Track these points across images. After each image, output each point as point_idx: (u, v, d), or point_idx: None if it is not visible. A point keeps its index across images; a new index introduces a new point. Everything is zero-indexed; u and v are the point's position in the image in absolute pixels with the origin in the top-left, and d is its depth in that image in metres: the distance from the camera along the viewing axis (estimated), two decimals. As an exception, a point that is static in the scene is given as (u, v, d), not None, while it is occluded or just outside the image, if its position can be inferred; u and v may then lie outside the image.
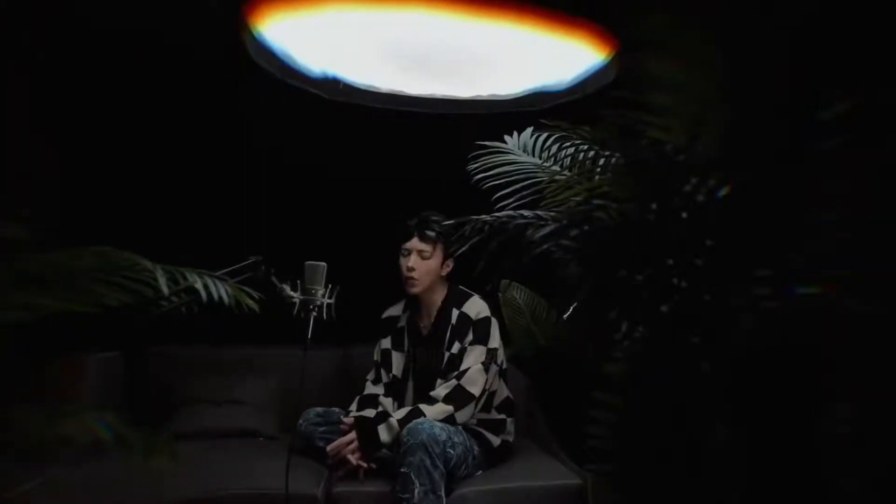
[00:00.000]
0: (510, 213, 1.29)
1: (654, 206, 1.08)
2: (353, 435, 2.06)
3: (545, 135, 1.64)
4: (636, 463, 1.00)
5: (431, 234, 2.19)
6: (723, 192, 0.92)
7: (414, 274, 2.20)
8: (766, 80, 0.87)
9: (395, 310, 2.38)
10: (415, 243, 2.20)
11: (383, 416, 2.09)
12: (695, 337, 0.94)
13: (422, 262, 2.20)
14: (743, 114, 0.87)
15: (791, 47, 0.87)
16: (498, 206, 1.42)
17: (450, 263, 2.26)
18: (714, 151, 0.92)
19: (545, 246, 1.09)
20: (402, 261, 2.23)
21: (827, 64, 0.87)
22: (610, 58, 1.43)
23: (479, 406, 2.14)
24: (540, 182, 1.39)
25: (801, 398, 0.85)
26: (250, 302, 1.02)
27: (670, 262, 1.04)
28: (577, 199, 1.17)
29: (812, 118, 0.84)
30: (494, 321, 2.21)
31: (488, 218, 1.26)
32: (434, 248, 2.21)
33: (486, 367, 2.13)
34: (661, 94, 0.93)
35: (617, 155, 1.20)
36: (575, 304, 1.20)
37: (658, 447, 0.96)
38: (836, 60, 0.88)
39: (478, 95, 1.81)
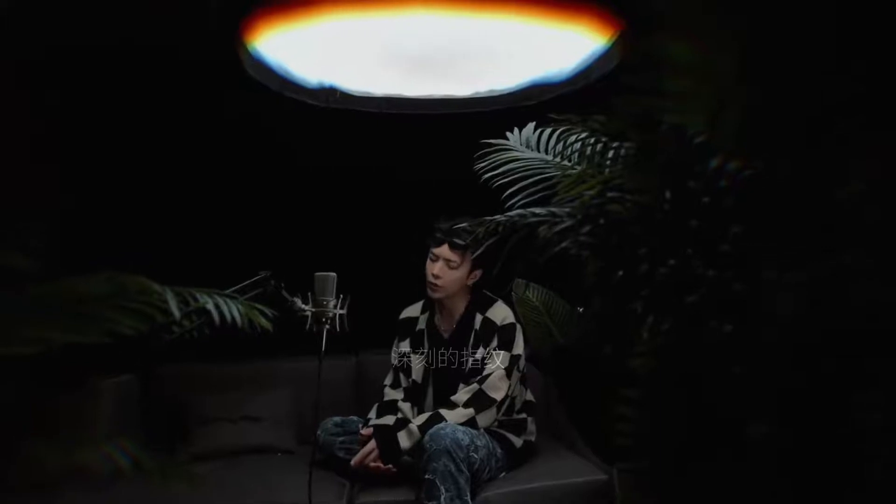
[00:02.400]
0: (521, 211, 1.25)
1: (668, 194, 1.05)
2: (372, 444, 2.04)
3: (549, 129, 1.60)
4: (671, 460, 0.97)
5: (461, 244, 2.14)
6: (746, 174, 0.89)
7: (438, 282, 2.16)
8: (788, 56, 0.84)
9: (413, 310, 2.34)
10: (444, 251, 2.16)
11: (403, 423, 2.06)
12: (727, 326, 0.90)
13: (448, 272, 2.16)
14: (765, 92, 0.83)
15: (811, 22, 0.84)
16: (507, 204, 1.38)
17: (477, 273, 2.21)
18: (733, 134, 0.89)
19: (563, 244, 1.06)
20: (429, 265, 2.19)
21: (848, 38, 0.84)
22: (613, 41, 1.39)
23: (501, 412, 2.11)
24: (550, 178, 1.36)
25: (848, 387, 0.81)
26: (264, 321, 0.99)
27: (690, 251, 1.01)
28: (591, 192, 1.14)
29: (836, 95, 0.81)
30: (519, 328, 2.17)
31: (502, 218, 1.23)
32: (462, 259, 2.16)
33: (508, 373, 2.11)
34: (674, 76, 0.90)
35: (627, 144, 1.17)
36: (594, 299, 1.16)
37: (693, 443, 0.94)
38: (857, 35, 0.85)
39: (476, 93, 1.78)
